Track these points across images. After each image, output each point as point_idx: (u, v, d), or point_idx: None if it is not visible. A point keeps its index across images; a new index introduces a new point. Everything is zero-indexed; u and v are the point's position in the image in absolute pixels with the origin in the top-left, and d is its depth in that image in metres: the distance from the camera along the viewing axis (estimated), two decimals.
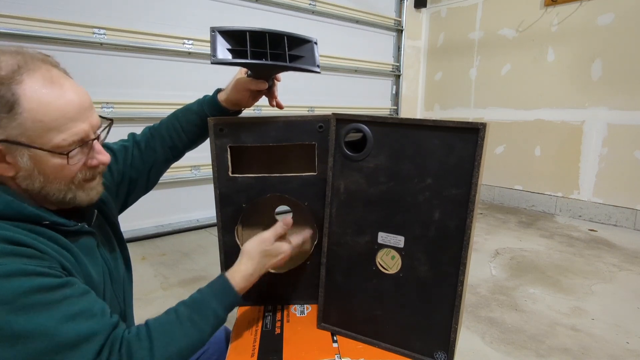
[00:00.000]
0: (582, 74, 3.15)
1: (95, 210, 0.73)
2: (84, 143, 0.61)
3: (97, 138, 0.64)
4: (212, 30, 0.73)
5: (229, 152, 0.85)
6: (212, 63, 0.72)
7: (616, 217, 3.08)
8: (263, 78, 0.84)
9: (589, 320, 1.72)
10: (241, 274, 0.72)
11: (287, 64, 0.78)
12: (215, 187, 0.86)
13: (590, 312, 1.79)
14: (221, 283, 0.71)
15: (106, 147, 0.85)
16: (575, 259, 2.42)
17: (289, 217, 0.82)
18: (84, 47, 2.31)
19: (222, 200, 0.87)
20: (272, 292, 0.91)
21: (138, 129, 0.94)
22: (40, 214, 0.59)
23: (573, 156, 3.26)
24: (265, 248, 0.76)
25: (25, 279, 0.51)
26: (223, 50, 0.74)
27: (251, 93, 0.87)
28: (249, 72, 0.85)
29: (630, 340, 1.58)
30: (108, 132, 0.68)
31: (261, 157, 0.95)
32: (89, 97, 0.62)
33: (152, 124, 0.93)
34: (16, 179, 0.59)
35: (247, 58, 0.74)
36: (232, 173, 0.86)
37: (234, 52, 0.75)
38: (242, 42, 0.76)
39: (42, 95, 0.55)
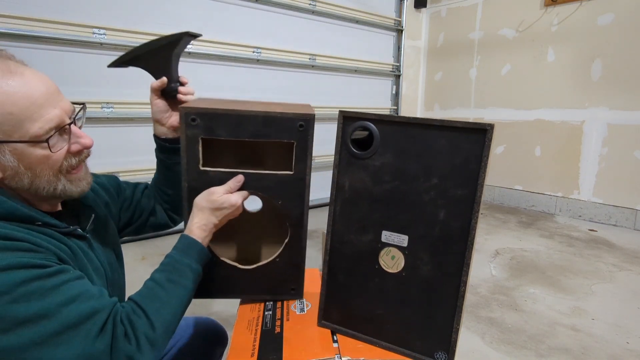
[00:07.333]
0: (582, 74, 3.16)
1: (93, 215, 0.73)
2: (61, 129, 0.60)
3: (74, 123, 0.63)
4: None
5: (200, 144, 0.80)
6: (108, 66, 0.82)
7: (616, 217, 3.09)
8: (157, 71, 0.89)
9: (589, 320, 1.72)
10: (196, 226, 0.75)
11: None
12: (183, 180, 0.82)
13: (590, 312, 1.79)
14: (183, 240, 0.74)
15: (127, 184, 0.92)
16: (575, 259, 2.42)
17: (240, 176, 0.82)
18: (84, 47, 2.30)
19: (191, 195, 0.82)
20: (233, 283, 0.90)
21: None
22: (33, 214, 0.59)
23: (573, 156, 3.27)
24: (213, 199, 0.77)
25: (23, 271, 0.52)
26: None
27: (166, 103, 0.89)
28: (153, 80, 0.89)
29: (630, 340, 1.58)
30: (84, 115, 0.68)
31: (235, 150, 0.91)
32: (54, 83, 0.61)
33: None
34: (4, 180, 0.58)
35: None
36: (203, 166, 0.82)
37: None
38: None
39: (4, 87, 0.54)
